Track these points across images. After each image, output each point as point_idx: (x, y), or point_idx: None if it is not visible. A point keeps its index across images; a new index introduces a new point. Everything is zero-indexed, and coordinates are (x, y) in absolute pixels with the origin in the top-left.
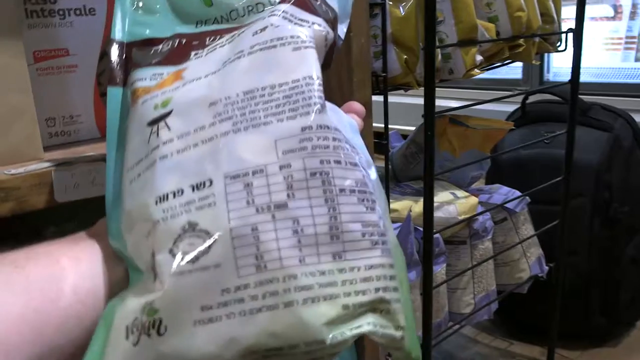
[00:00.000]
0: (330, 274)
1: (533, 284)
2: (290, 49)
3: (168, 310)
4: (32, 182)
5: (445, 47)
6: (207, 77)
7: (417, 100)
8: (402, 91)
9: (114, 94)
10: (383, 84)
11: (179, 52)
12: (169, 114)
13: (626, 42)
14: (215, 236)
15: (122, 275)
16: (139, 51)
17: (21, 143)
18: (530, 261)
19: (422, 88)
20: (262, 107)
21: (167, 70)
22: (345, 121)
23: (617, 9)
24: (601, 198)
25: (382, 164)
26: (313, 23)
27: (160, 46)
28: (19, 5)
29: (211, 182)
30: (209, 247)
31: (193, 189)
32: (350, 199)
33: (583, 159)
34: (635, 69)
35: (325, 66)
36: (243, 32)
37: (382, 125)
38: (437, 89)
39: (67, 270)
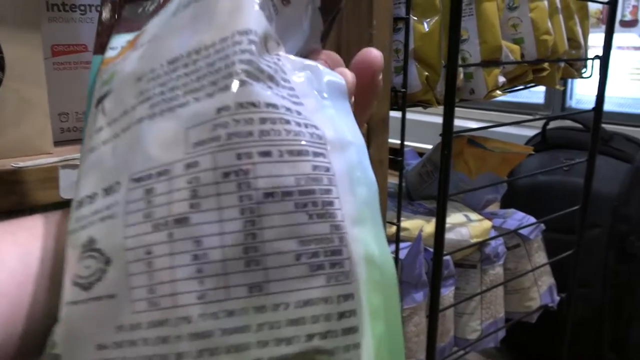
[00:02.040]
0: (241, 315)
1: (543, 313)
2: None
3: (65, 345)
4: (38, 176)
5: (467, 66)
6: (146, 43)
7: (435, 118)
8: (421, 108)
9: (95, 64)
10: (402, 100)
11: (156, 11)
12: (108, 93)
13: None
14: (111, 259)
15: None
16: (129, 10)
17: (32, 136)
18: (541, 290)
19: (442, 106)
20: (183, 81)
21: (133, 36)
22: (317, 85)
23: None
24: (618, 230)
25: (396, 180)
26: None
27: (149, 3)
28: None
29: (118, 185)
30: (103, 272)
31: (104, 194)
32: (282, 206)
33: (602, 189)
34: None
35: (326, 31)
36: None
37: (399, 142)
38: (457, 108)
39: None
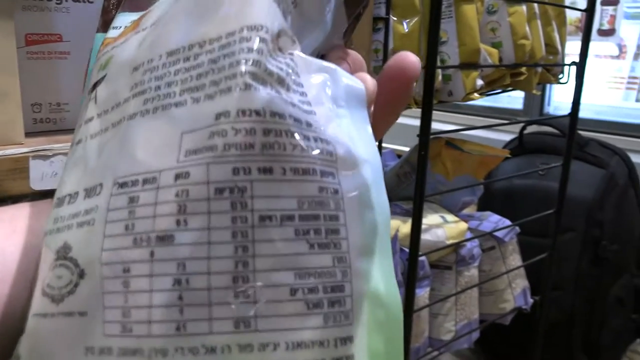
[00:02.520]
0: (223, 353)
1: (516, 315)
2: None
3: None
4: (8, 166)
5: (446, 68)
6: (149, 27)
7: (415, 121)
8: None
9: (97, 43)
10: None
11: None
12: (102, 80)
13: (629, 82)
14: (85, 271)
15: None
16: None
17: (2, 126)
18: (515, 292)
19: (420, 108)
20: (182, 77)
21: (138, 16)
22: (333, 90)
23: (622, 48)
24: (591, 235)
25: None
26: None
27: None
28: None
29: (101, 188)
30: (76, 285)
31: (85, 195)
32: (280, 232)
33: (576, 194)
34: (635, 109)
35: (350, 28)
36: None
37: (376, 143)
38: (437, 112)
39: None
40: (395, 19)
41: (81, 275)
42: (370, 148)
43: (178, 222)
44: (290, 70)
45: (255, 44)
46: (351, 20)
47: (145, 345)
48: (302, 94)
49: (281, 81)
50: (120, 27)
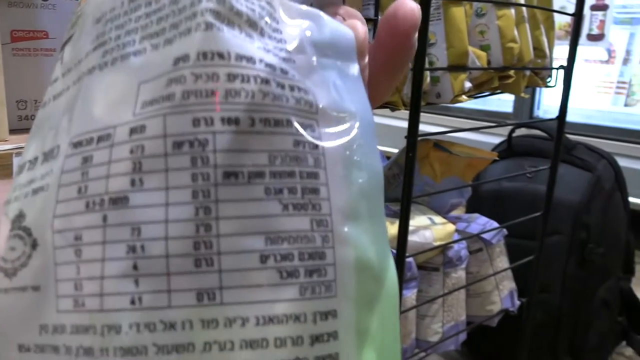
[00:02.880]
0: (184, 329)
1: (503, 317)
2: None
3: None
4: None
5: (434, 70)
6: None
7: (403, 123)
8: (390, 112)
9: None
10: None
11: None
12: (70, 38)
13: (617, 87)
14: (37, 241)
15: None
16: None
17: None
18: (502, 294)
19: (408, 110)
20: (142, 23)
21: None
22: (317, 38)
23: (611, 53)
24: (578, 238)
25: None
26: None
27: None
28: None
29: (58, 150)
30: (29, 256)
31: (43, 159)
32: (247, 190)
33: (563, 197)
34: (623, 113)
35: None
36: None
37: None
38: (426, 114)
39: None
40: None
41: (34, 245)
42: (361, 102)
43: (133, 182)
44: (264, 13)
45: None
46: None
47: (98, 320)
48: (280, 40)
49: (252, 24)
50: None
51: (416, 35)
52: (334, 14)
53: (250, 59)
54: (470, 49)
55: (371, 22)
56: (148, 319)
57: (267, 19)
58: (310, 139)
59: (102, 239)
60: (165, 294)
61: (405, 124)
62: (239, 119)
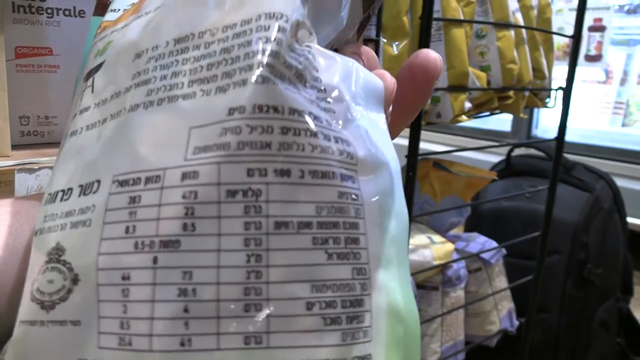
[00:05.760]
0: None
1: (502, 337)
2: None
3: None
4: None
5: (435, 90)
6: (153, 11)
7: (404, 142)
8: None
9: (93, 27)
10: None
11: None
12: (100, 66)
13: (615, 107)
14: (79, 276)
15: None
16: None
17: None
18: (501, 314)
19: (409, 129)
20: (190, 66)
21: None
22: (352, 87)
23: (608, 74)
24: (577, 258)
25: None
26: None
27: None
28: None
29: (98, 185)
30: (69, 291)
31: (80, 192)
32: (297, 240)
33: (562, 217)
34: (621, 134)
35: (364, 22)
36: None
37: None
38: (426, 132)
39: None
40: (385, 41)
41: (75, 280)
42: (389, 151)
43: (185, 227)
44: (308, 64)
45: (274, 33)
46: (366, 14)
47: None
48: (321, 90)
49: (299, 75)
50: (119, 9)
51: (435, 83)
52: (353, 55)
53: (300, 113)
54: (471, 69)
55: (372, 42)
56: None
57: (310, 69)
58: (351, 190)
59: (152, 280)
60: (214, 336)
61: (405, 142)
62: (290, 170)
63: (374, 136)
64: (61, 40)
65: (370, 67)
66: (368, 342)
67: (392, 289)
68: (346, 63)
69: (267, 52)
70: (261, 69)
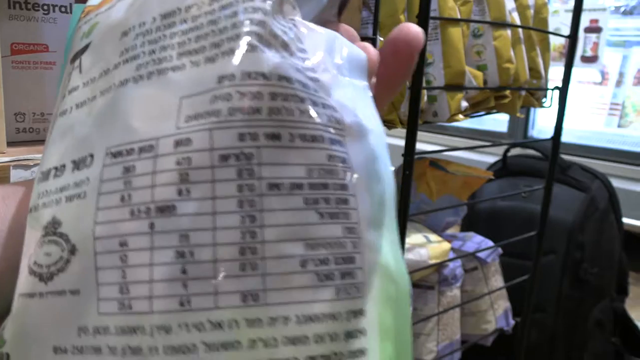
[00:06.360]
0: (231, 328)
1: (498, 337)
2: None
3: (16, 344)
4: None
5: (431, 89)
6: None
7: (400, 141)
8: (387, 130)
9: (76, 14)
10: None
11: None
12: (86, 47)
13: (611, 108)
14: (77, 247)
15: None
16: None
17: None
18: (497, 313)
19: (405, 128)
20: (179, 40)
21: None
22: (336, 58)
23: (604, 75)
24: (572, 257)
25: None
26: None
27: None
28: None
29: (92, 159)
30: (67, 262)
31: (74, 167)
32: (289, 201)
33: (558, 216)
34: (617, 134)
35: (343, 3)
36: None
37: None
38: (422, 133)
39: None
40: (382, 39)
41: (72, 251)
42: (374, 118)
43: (180, 192)
44: (293, 35)
45: (259, 3)
46: None
47: (147, 322)
48: (306, 60)
49: (285, 45)
50: None
51: (417, 56)
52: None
53: (289, 79)
54: (467, 68)
55: (369, 40)
56: (197, 320)
57: (295, 40)
58: (340, 153)
59: (150, 245)
60: (212, 296)
61: (402, 142)
62: (281, 134)
63: (359, 104)
64: (57, 37)
65: (352, 42)
66: (361, 297)
67: (382, 249)
68: (330, 35)
69: (254, 22)
70: (249, 37)
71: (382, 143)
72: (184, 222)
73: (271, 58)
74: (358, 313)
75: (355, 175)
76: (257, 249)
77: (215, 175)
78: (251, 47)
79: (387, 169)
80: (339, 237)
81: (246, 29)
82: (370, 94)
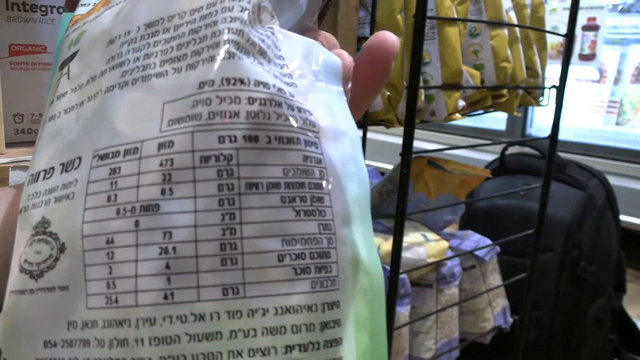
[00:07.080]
0: (212, 320)
1: (496, 335)
2: None
3: (7, 339)
4: None
5: (428, 88)
6: (123, 1)
7: (398, 140)
8: (385, 129)
9: (64, 23)
10: (363, 118)
11: None
12: (74, 55)
13: (609, 106)
14: (65, 245)
15: None
16: None
17: None
18: (495, 311)
19: (403, 127)
20: (162, 48)
21: None
22: (312, 64)
23: (602, 73)
24: (570, 255)
25: None
26: None
27: None
28: None
29: (79, 161)
30: (56, 259)
31: (62, 169)
32: (266, 199)
33: (556, 214)
34: (615, 132)
35: (323, 10)
36: None
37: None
38: (420, 131)
39: None
40: None
41: (61, 249)
42: (349, 122)
43: (163, 191)
44: (270, 43)
45: (237, 13)
46: (325, 3)
47: (133, 315)
48: (283, 66)
49: (263, 53)
50: (90, 3)
51: (393, 64)
52: (313, 40)
53: (265, 84)
54: (464, 68)
55: (366, 40)
56: (180, 312)
57: (272, 47)
58: (315, 154)
59: (135, 242)
60: (195, 289)
61: (399, 141)
62: (258, 137)
63: (335, 108)
64: (55, 38)
65: (330, 49)
66: (336, 290)
67: (356, 244)
68: (306, 43)
69: (232, 30)
70: (227, 45)
71: (356, 144)
72: (168, 220)
73: (249, 65)
74: (333, 305)
75: (330, 175)
76: (236, 244)
77: (197, 176)
78: (229, 55)
79: (361, 168)
80: (314, 233)
81: (225, 37)
82: (345, 98)
